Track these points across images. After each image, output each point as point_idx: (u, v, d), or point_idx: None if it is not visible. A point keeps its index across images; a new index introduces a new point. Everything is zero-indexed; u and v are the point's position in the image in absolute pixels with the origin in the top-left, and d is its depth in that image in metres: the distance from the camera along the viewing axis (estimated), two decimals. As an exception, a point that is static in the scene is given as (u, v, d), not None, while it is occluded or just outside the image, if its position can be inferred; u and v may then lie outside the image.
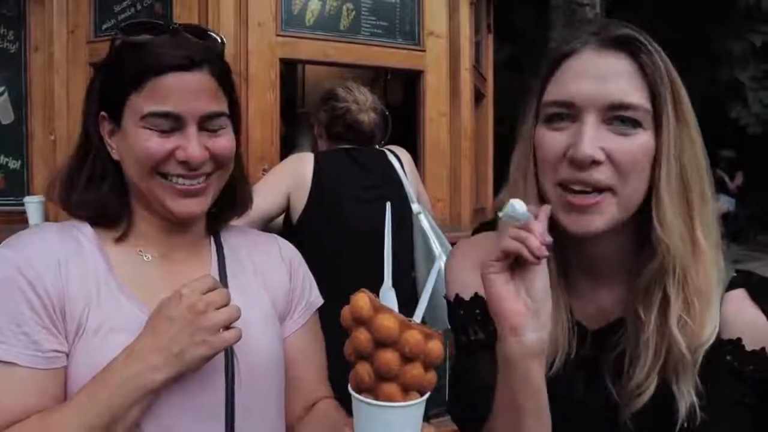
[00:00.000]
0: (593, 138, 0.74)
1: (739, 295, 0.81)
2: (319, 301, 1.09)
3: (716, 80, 7.83)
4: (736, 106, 7.99)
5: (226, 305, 0.82)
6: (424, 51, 2.48)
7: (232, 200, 1.01)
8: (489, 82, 3.29)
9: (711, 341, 0.76)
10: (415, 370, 0.67)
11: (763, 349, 0.79)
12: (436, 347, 0.68)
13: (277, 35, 2.23)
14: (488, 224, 0.99)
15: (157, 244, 0.94)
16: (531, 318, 0.71)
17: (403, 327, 0.67)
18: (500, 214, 0.73)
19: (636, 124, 0.75)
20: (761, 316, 0.80)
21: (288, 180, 1.94)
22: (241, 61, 2.18)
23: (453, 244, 1.61)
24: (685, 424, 0.77)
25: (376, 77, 3.63)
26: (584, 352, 0.83)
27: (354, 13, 2.36)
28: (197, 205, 0.91)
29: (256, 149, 2.18)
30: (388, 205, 0.77)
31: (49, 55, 2.37)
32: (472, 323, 0.89)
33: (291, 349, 1.01)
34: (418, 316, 0.72)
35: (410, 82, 2.65)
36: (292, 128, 3.29)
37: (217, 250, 1.00)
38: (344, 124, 2.05)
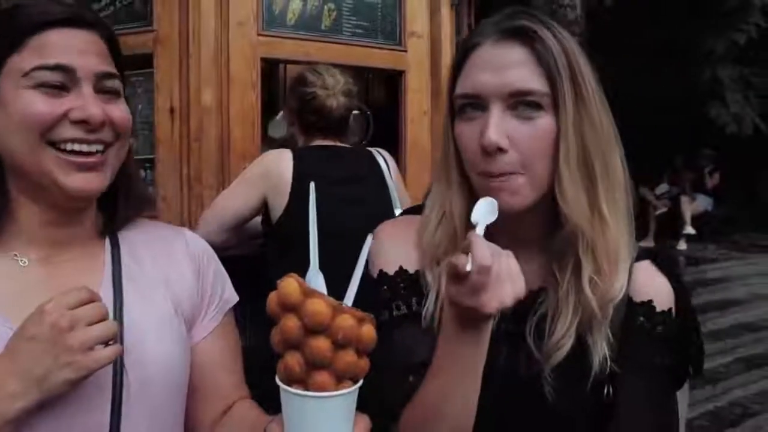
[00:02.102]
0: (498, 126, 0.80)
1: (646, 265, 0.92)
2: (234, 298, 1.01)
3: (697, 80, 7.91)
4: (715, 105, 8.09)
5: (101, 320, 0.73)
6: (405, 51, 2.49)
7: (127, 192, 0.91)
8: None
9: (619, 297, 0.86)
10: (348, 357, 0.64)
11: (670, 309, 0.90)
12: (369, 332, 0.65)
13: (259, 35, 2.22)
14: (414, 209, 1.03)
15: (39, 244, 0.83)
16: None
17: (334, 312, 0.64)
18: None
19: (537, 107, 0.81)
20: (666, 281, 0.91)
21: (263, 181, 1.89)
22: (222, 60, 2.17)
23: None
24: (597, 373, 0.85)
25: (359, 77, 3.63)
26: (507, 324, 0.88)
27: (335, 13, 2.37)
28: (95, 181, 0.81)
29: (237, 148, 2.18)
30: (312, 185, 0.76)
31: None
32: (396, 298, 0.91)
33: (203, 355, 0.93)
34: (349, 299, 0.69)
35: (392, 81, 2.66)
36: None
37: (112, 250, 0.88)
38: (313, 111, 1.98)
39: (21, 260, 0.82)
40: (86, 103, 0.78)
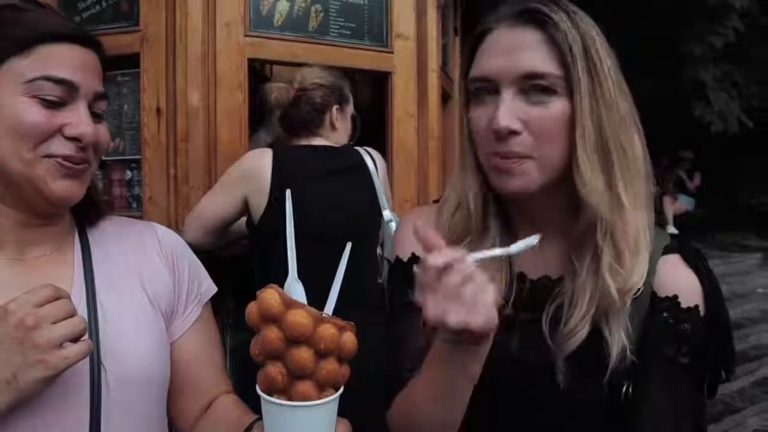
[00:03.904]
0: (509, 109, 0.80)
1: (675, 258, 0.88)
2: (212, 289, 1.01)
3: (681, 80, 7.98)
4: (700, 104, 8.15)
5: (69, 317, 0.72)
6: (392, 53, 2.50)
7: (96, 194, 0.93)
8: (456, 83, 3.33)
9: (639, 285, 0.83)
10: (330, 365, 0.65)
11: (696, 306, 0.85)
12: (349, 339, 0.66)
13: (246, 35, 2.23)
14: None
15: (12, 244, 0.83)
16: None
17: (316, 322, 0.64)
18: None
19: (550, 91, 0.80)
20: (695, 276, 0.87)
21: (244, 183, 1.88)
22: (209, 61, 2.17)
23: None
24: (617, 366, 0.82)
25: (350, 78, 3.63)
26: (523, 313, 0.87)
27: (322, 14, 2.38)
28: (76, 189, 0.82)
29: (225, 149, 2.18)
30: (288, 192, 0.77)
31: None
32: (404, 285, 0.92)
33: (185, 349, 0.94)
34: (329, 309, 0.70)
35: (378, 83, 2.67)
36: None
37: (82, 247, 0.89)
38: (289, 105, 2.00)
39: None
40: (81, 120, 0.80)
